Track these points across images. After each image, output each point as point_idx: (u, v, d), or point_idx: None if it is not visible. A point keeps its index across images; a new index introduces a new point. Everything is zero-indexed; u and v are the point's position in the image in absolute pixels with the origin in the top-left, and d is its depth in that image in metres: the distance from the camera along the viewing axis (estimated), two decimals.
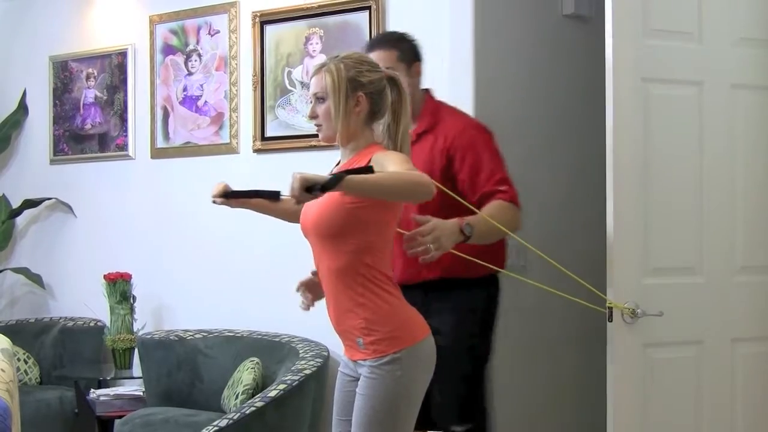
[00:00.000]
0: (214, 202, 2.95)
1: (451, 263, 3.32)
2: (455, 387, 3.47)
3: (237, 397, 4.49)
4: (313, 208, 2.84)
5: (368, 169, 2.59)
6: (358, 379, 2.83)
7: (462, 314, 3.50)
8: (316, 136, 3.00)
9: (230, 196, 2.92)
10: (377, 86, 2.85)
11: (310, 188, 2.51)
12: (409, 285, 3.27)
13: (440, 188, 3.00)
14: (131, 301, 5.42)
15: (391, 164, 2.67)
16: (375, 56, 3.30)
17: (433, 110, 3.59)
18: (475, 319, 3.55)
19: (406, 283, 3.18)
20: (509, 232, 3.28)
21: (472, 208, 3.24)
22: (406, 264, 3.32)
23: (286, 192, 2.59)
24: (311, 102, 2.88)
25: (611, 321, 3.17)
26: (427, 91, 3.63)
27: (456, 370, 3.40)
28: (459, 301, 3.50)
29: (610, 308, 3.16)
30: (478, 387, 3.58)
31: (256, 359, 4.67)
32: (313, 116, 2.88)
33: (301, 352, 4.57)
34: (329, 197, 2.77)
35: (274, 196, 2.69)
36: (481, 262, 3.27)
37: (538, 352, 4.45)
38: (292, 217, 3.10)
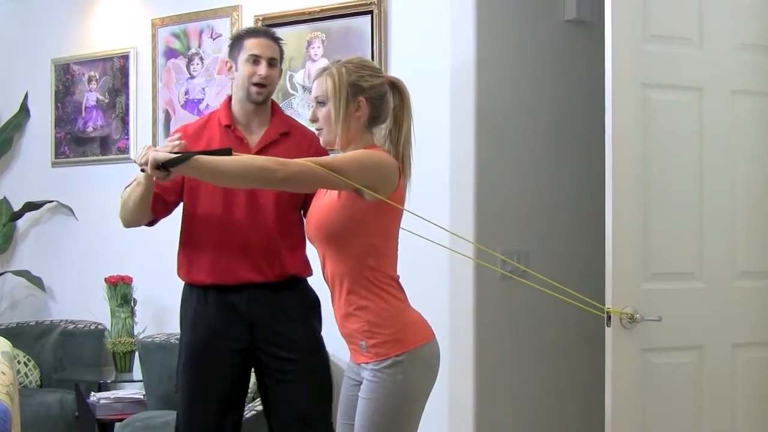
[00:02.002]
0: (142, 170, 2.83)
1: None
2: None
3: None
4: (316, 212, 2.85)
5: (226, 151, 2.66)
6: (362, 383, 2.84)
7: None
8: None
9: (166, 166, 2.72)
10: (378, 91, 2.85)
11: (159, 166, 2.60)
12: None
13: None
14: (132, 304, 5.41)
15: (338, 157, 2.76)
16: (263, 42, 3.45)
17: (283, 116, 3.64)
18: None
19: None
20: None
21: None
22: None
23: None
24: (313, 105, 2.89)
25: (609, 326, 3.16)
26: (273, 100, 3.64)
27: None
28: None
29: (608, 313, 3.16)
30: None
31: None
32: (314, 120, 2.89)
33: None
34: (329, 202, 2.78)
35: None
36: None
37: (537, 356, 4.44)
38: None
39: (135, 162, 2.89)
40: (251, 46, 3.44)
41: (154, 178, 2.79)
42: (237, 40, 3.51)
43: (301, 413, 3.41)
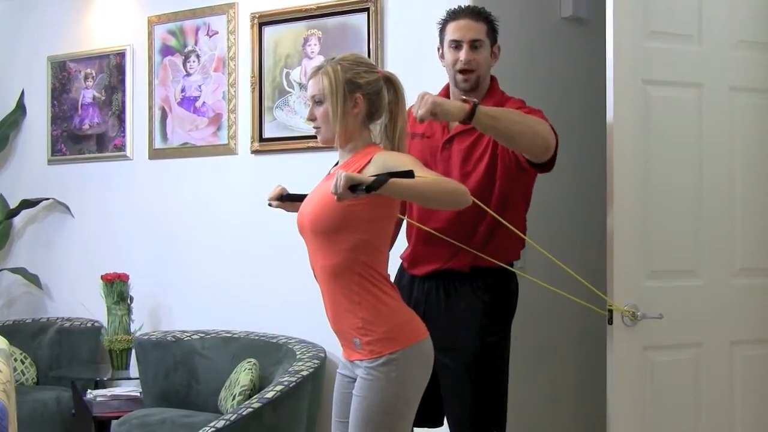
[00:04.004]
0: (269, 204, 3.00)
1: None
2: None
3: (234, 398, 4.48)
4: (310, 205, 2.84)
5: (409, 173, 2.60)
6: (355, 380, 2.83)
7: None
8: (313, 137, 3.00)
9: (286, 200, 2.97)
10: (374, 87, 2.85)
11: (354, 187, 2.53)
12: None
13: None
14: (128, 301, 5.41)
15: (405, 167, 2.67)
16: (463, 24, 3.25)
17: (498, 99, 3.38)
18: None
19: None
20: (517, 127, 3.06)
21: (505, 222, 3.15)
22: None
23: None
24: (309, 104, 2.88)
25: (611, 323, 3.17)
26: (493, 77, 3.43)
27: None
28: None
29: (611, 311, 3.16)
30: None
31: (253, 360, 4.66)
32: (312, 119, 2.88)
33: (298, 353, 4.57)
34: (325, 194, 2.76)
35: None
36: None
37: (539, 353, 4.44)
38: None
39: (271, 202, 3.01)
40: (451, 30, 3.26)
41: (337, 199, 2.60)
42: (442, 25, 3.34)
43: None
